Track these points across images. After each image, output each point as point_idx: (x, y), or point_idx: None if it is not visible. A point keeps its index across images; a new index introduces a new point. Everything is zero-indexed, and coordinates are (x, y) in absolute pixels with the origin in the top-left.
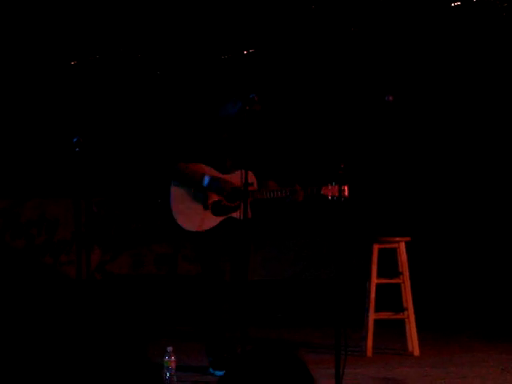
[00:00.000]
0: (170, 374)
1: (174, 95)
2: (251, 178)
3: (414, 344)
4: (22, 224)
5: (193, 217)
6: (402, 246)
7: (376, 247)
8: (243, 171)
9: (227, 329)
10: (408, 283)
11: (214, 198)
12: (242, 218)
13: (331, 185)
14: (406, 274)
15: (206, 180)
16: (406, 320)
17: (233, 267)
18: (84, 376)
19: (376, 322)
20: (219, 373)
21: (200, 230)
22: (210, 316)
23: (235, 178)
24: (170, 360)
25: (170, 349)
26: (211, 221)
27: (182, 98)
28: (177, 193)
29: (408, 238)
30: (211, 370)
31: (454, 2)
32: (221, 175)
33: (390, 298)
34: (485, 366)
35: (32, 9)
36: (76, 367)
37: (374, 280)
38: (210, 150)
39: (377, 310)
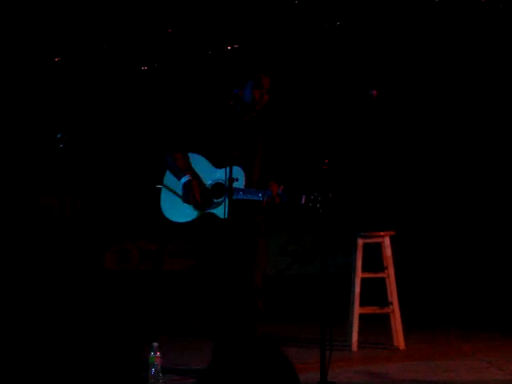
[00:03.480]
0: (155, 370)
1: (165, 89)
2: (239, 173)
3: (399, 338)
4: None
5: (177, 207)
6: (387, 241)
7: (361, 242)
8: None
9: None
10: (393, 277)
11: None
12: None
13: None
14: (391, 268)
15: (184, 179)
16: (391, 314)
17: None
18: (69, 371)
19: (361, 316)
20: None
21: (182, 221)
22: (218, 312)
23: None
24: (156, 356)
25: (155, 345)
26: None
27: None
28: (168, 183)
29: (392, 232)
30: None
31: None
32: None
33: (374, 292)
34: (471, 360)
35: (16, 5)
36: (61, 361)
37: (359, 274)
38: (212, 141)
39: (362, 304)
